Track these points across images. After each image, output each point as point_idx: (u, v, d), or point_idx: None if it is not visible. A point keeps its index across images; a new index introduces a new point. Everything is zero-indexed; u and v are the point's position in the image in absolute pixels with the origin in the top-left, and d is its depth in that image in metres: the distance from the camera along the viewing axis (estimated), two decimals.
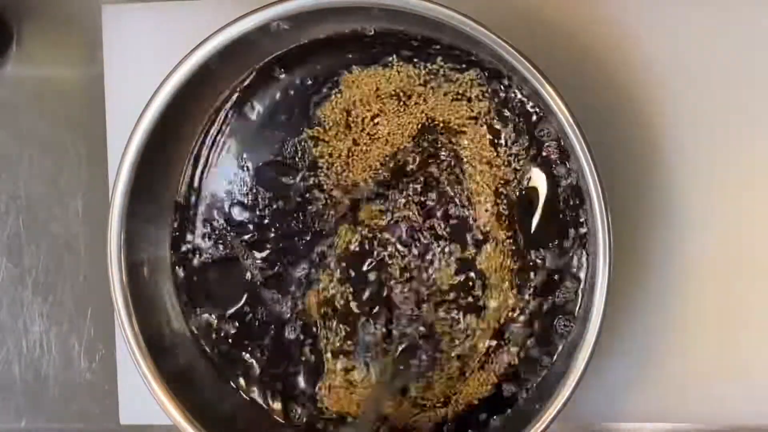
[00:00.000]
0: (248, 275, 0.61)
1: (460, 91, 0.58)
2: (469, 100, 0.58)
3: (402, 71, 0.59)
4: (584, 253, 0.57)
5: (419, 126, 0.58)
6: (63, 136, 0.67)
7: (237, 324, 0.61)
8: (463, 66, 0.58)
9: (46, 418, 0.67)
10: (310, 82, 0.60)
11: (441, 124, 0.58)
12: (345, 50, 0.59)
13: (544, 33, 0.61)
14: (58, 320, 0.67)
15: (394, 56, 0.58)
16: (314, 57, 0.59)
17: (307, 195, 0.60)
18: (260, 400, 0.61)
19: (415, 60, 0.58)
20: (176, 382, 0.58)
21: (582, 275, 0.57)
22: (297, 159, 0.60)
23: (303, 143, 0.60)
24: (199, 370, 0.61)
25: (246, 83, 0.60)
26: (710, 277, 0.60)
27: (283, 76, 0.60)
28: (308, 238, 0.60)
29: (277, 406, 0.61)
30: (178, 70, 0.57)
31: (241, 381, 0.61)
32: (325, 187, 0.60)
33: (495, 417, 0.58)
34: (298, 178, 0.60)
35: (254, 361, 0.61)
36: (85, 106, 0.66)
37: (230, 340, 0.61)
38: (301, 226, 0.60)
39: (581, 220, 0.57)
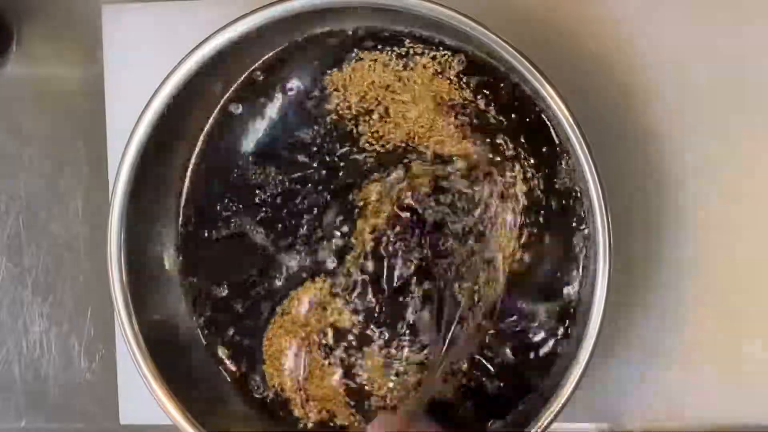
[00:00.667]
0: (256, 252, 0.60)
1: (438, 69, 0.58)
2: (450, 80, 0.58)
3: (378, 60, 0.58)
4: (584, 253, 0.57)
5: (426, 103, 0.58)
6: (63, 136, 0.67)
7: (241, 310, 0.61)
8: (439, 47, 0.58)
9: (46, 418, 0.67)
10: (293, 91, 0.60)
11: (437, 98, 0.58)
12: (309, 56, 0.59)
13: (544, 33, 0.61)
14: (58, 320, 0.67)
15: (356, 50, 0.59)
16: (287, 63, 0.59)
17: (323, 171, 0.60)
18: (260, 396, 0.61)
19: (380, 47, 0.58)
20: (176, 382, 0.58)
21: (582, 276, 0.57)
22: (310, 143, 0.60)
23: (323, 127, 0.60)
24: (200, 369, 0.61)
25: (243, 83, 0.60)
26: (710, 277, 0.60)
27: (261, 78, 0.60)
28: (329, 206, 0.60)
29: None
30: (177, 70, 0.57)
31: (243, 380, 0.61)
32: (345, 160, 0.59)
33: (494, 420, 0.58)
34: (315, 159, 0.60)
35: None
36: (85, 106, 0.66)
37: (234, 333, 0.61)
38: (315, 197, 0.60)
39: (581, 220, 0.57)
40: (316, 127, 0.60)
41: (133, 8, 0.65)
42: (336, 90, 0.59)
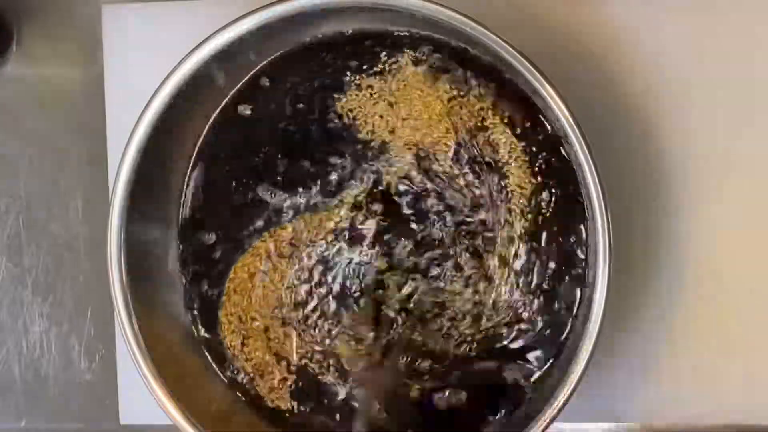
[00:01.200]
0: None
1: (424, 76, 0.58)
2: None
3: (371, 86, 0.58)
4: (584, 253, 0.57)
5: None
6: (63, 136, 0.67)
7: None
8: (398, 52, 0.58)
9: (46, 418, 0.67)
10: (302, 105, 0.59)
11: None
12: (311, 73, 0.59)
13: (544, 33, 0.61)
14: (58, 320, 0.67)
15: (348, 74, 0.59)
16: (291, 71, 0.59)
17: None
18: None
19: (364, 67, 0.58)
20: (176, 382, 0.58)
21: (582, 276, 0.57)
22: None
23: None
24: (200, 369, 0.61)
25: (246, 84, 0.60)
26: (711, 276, 0.60)
27: (267, 84, 0.60)
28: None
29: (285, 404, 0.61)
30: (178, 70, 0.57)
31: (246, 382, 0.61)
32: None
33: (493, 417, 0.58)
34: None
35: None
36: (85, 106, 0.66)
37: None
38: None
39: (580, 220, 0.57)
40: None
41: (133, 8, 0.65)
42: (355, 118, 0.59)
